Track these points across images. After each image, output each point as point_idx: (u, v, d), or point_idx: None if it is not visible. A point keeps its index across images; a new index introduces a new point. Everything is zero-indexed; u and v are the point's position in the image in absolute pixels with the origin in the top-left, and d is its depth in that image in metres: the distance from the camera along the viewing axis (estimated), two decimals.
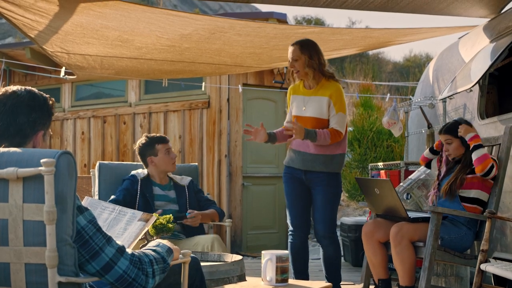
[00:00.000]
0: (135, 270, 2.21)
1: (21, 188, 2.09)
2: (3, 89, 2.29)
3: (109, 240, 2.21)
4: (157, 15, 5.38)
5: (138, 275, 2.21)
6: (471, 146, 4.22)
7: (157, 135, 4.97)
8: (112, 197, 4.66)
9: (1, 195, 2.11)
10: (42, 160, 2.02)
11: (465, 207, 4.22)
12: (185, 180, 4.90)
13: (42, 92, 2.38)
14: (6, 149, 2.19)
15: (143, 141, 4.87)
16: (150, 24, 5.47)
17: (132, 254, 2.24)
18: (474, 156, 4.18)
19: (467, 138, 4.27)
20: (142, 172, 4.85)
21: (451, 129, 4.43)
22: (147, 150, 4.81)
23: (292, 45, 4.74)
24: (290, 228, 4.78)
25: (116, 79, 8.94)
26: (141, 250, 2.39)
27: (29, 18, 4.98)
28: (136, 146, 4.90)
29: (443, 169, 4.52)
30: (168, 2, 24.29)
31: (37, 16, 4.94)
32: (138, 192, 4.71)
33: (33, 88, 2.35)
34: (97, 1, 4.88)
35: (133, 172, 4.86)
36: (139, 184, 4.74)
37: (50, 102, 2.37)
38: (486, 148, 4.27)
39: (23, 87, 2.33)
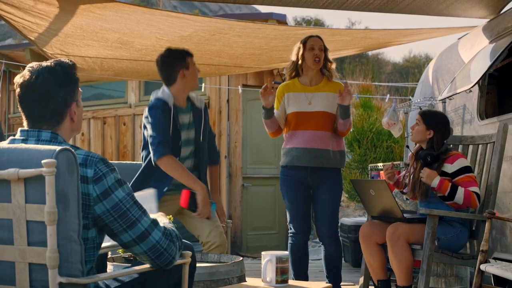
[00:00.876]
0: (167, 242, 2.33)
1: (23, 189, 2.09)
2: (26, 75, 2.28)
3: (144, 212, 2.32)
4: (157, 17, 5.38)
5: (169, 246, 2.34)
6: (446, 194, 4.12)
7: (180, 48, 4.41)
8: (152, 134, 4.10)
9: (4, 195, 2.13)
10: (43, 161, 2.03)
11: (451, 205, 4.22)
12: (200, 101, 4.46)
13: (59, 61, 2.36)
14: (6, 146, 2.21)
15: (170, 52, 4.29)
16: (150, 25, 5.48)
17: (164, 227, 2.37)
18: (459, 201, 4.10)
19: (432, 186, 4.16)
20: (168, 95, 4.21)
21: (427, 115, 4.42)
22: (178, 62, 4.24)
23: (314, 36, 4.79)
24: (292, 230, 4.74)
25: (116, 80, 8.95)
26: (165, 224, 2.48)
27: (29, 21, 4.99)
28: (159, 60, 4.29)
29: (412, 166, 4.52)
30: (168, 4, 24.30)
31: (37, 18, 4.95)
32: (171, 122, 4.17)
33: (50, 63, 2.33)
34: (96, 3, 4.89)
35: (159, 97, 4.20)
36: (172, 112, 4.18)
37: (72, 69, 2.37)
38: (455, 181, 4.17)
39: (41, 65, 2.31)
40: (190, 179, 4.07)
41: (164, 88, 4.25)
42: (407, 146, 4.54)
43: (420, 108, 6.60)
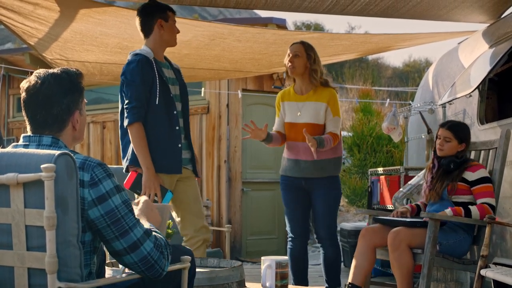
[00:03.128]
0: (157, 253, 2.32)
1: (22, 194, 2.09)
2: (32, 81, 2.34)
3: (138, 222, 2.32)
4: None
5: (159, 258, 2.33)
6: (463, 215, 4.09)
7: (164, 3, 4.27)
8: (127, 95, 3.99)
9: (3, 200, 2.13)
10: (42, 166, 2.02)
11: None
12: (175, 64, 4.39)
13: (66, 69, 2.41)
14: (5, 151, 2.23)
15: (151, 3, 4.18)
16: None
17: (155, 238, 2.36)
18: (476, 218, 4.10)
19: (448, 213, 4.11)
20: (146, 50, 4.11)
21: (455, 128, 4.40)
22: (157, 11, 4.13)
23: (295, 43, 4.74)
24: (290, 235, 4.75)
25: (115, 84, 8.95)
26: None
27: (28, 26, 4.98)
28: (140, 8, 4.19)
29: (430, 177, 4.51)
30: None
31: (37, 23, 4.95)
32: (157, 75, 4.03)
33: (56, 71, 2.39)
34: (96, 8, 4.89)
35: (137, 52, 4.10)
36: (154, 64, 4.04)
37: (78, 78, 2.42)
38: (468, 208, 4.13)
39: (48, 72, 2.37)
40: (145, 156, 3.97)
41: (143, 46, 4.18)
42: (436, 154, 4.45)
43: (420, 113, 6.59)
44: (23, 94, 2.35)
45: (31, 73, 2.38)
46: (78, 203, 2.16)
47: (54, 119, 2.33)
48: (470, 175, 4.23)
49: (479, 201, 4.15)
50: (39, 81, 2.32)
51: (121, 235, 2.25)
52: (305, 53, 4.67)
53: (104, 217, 2.22)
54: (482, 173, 4.22)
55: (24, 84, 2.36)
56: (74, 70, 2.42)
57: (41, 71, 2.37)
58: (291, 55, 4.67)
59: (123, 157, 4.12)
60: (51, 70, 2.38)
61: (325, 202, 4.67)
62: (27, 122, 2.37)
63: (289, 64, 4.66)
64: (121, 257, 2.30)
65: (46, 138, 2.32)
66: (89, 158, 2.26)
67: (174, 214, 4.24)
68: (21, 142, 2.35)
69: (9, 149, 2.30)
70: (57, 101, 2.32)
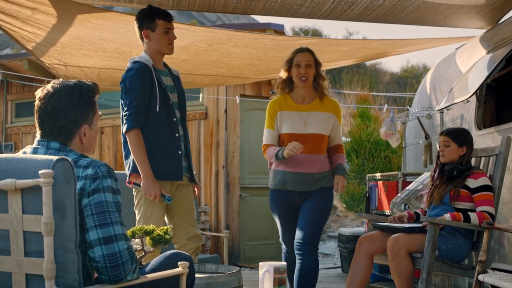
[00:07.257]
0: (128, 256, 2.32)
1: (20, 199, 2.09)
2: (45, 90, 2.41)
3: (122, 224, 2.34)
4: None
5: (127, 262, 2.32)
6: (462, 221, 4.08)
7: (163, 9, 4.18)
8: (126, 103, 3.95)
9: (1, 206, 2.13)
10: (40, 172, 2.02)
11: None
12: (175, 71, 4.33)
13: (80, 82, 2.45)
14: (4, 156, 2.23)
15: (145, 9, 4.14)
16: None
17: (131, 246, 2.38)
18: (475, 223, 4.09)
19: (447, 218, 4.11)
20: (146, 57, 4.07)
21: (453, 133, 4.42)
22: (145, 22, 4.09)
23: (302, 51, 4.52)
24: (284, 247, 4.64)
25: (113, 90, 8.95)
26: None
27: (26, 30, 4.98)
28: (136, 15, 4.18)
29: (436, 182, 4.51)
30: None
31: (35, 28, 4.95)
32: (156, 83, 4.00)
33: (70, 83, 2.43)
34: (94, 13, 4.89)
35: (136, 60, 4.06)
36: (153, 72, 4.02)
37: (90, 91, 2.46)
38: (468, 214, 4.12)
39: (62, 83, 2.42)
40: (144, 163, 3.91)
41: (142, 53, 4.14)
42: (435, 169, 4.46)
43: (418, 118, 6.60)
44: (36, 101, 2.42)
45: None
46: (76, 208, 2.16)
47: (60, 130, 2.38)
48: (472, 182, 4.23)
49: (478, 209, 4.15)
50: (51, 91, 2.38)
51: (100, 225, 2.26)
52: (314, 61, 4.50)
53: (92, 206, 2.25)
54: (483, 181, 4.22)
55: (38, 92, 2.42)
56: (89, 83, 2.46)
57: (56, 81, 2.42)
58: (302, 65, 4.44)
59: (126, 165, 4.11)
60: (66, 81, 2.42)
61: (313, 208, 4.46)
62: (37, 128, 2.44)
63: (303, 76, 4.43)
64: (93, 249, 2.27)
65: (54, 143, 2.38)
66: (96, 160, 2.33)
67: (167, 220, 4.22)
68: (34, 145, 2.41)
69: (22, 151, 2.37)
70: (64, 113, 2.37)
